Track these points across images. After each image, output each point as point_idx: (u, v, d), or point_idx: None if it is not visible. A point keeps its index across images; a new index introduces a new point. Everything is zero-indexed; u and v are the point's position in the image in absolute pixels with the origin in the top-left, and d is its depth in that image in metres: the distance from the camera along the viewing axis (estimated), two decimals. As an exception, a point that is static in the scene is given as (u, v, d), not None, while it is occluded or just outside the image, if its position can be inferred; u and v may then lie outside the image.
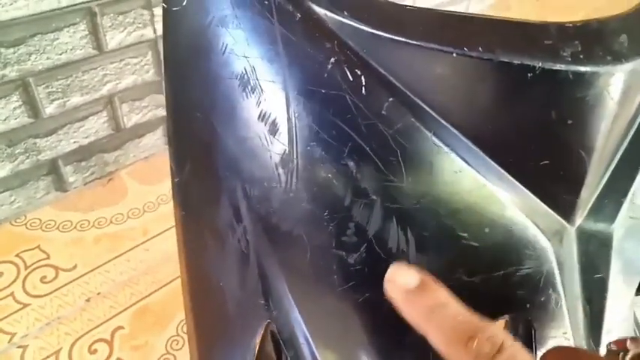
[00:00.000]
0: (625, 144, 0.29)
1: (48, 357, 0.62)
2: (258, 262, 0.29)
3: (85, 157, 0.83)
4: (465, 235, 0.27)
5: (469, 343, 0.19)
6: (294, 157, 0.27)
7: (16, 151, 0.74)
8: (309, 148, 0.27)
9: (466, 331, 0.20)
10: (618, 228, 0.30)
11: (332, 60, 0.26)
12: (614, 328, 0.31)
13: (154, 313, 0.67)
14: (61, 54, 0.70)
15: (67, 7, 0.66)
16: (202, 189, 0.30)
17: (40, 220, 0.80)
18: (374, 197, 0.27)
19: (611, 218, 0.30)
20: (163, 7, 0.28)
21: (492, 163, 0.27)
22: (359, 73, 0.26)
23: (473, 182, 0.27)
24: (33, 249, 0.76)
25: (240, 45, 0.27)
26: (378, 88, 0.26)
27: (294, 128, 0.27)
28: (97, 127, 0.81)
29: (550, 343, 0.29)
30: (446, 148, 0.27)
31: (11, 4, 0.61)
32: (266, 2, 0.26)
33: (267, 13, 0.26)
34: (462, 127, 0.26)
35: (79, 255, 0.75)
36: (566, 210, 0.28)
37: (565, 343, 0.29)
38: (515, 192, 0.27)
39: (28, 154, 0.75)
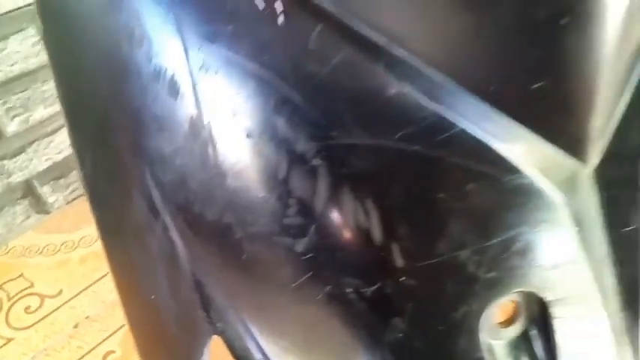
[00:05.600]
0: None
1: (33, 393, 0.57)
2: (188, 267, 0.23)
3: (62, 174, 0.78)
4: (444, 195, 0.21)
5: None
6: (205, 122, 0.21)
7: (-17, 177, 0.69)
8: (222, 107, 0.20)
9: None
10: (649, 163, 0.23)
11: (233, -15, 0.19)
12: (659, 293, 0.24)
13: (144, 332, 0.62)
14: (12, 65, 0.64)
15: (10, 11, 0.61)
16: (110, 181, 0.24)
17: (23, 247, 0.75)
18: (316, 162, 0.20)
19: (638, 151, 0.22)
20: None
21: (469, 95, 0.20)
22: (271, -3, 0.19)
23: (446, 125, 0.20)
24: (16, 278, 0.71)
25: (114, -15, 0.21)
26: (300, 15, 0.20)
27: (198, 84, 0.20)
28: (68, 140, 0.75)
29: (574, 323, 0.22)
30: (405, 84, 0.20)
31: (-56, 16, 0.56)
32: None
33: None
34: (421, 52, 0.20)
35: (65, 279, 0.70)
36: (576, 147, 0.21)
37: (592, 321, 0.22)
38: (504, 130, 0.21)
39: (-3, 179, 0.70)
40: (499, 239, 0.21)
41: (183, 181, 0.22)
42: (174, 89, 0.21)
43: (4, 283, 0.70)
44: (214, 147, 0.21)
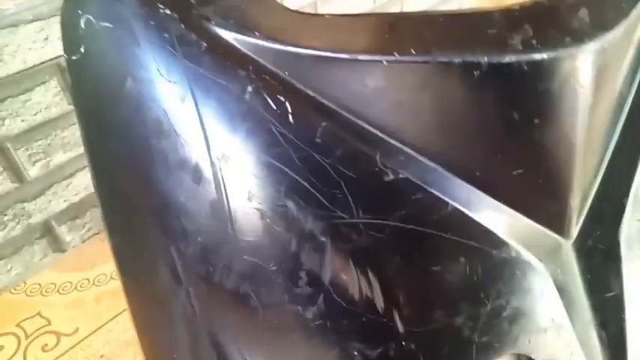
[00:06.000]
0: (617, 133, 0.25)
1: None
2: (208, 329, 0.26)
3: (78, 215, 0.81)
4: (438, 268, 0.23)
5: None
6: (225, 204, 0.23)
7: (5, 219, 0.72)
8: (239, 192, 0.23)
9: None
10: (625, 234, 0.25)
11: (249, 89, 0.22)
12: (640, 351, 0.26)
13: (158, 371, 0.63)
14: (35, 114, 0.68)
15: (34, 66, 0.65)
16: (137, 252, 0.27)
17: (40, 285, 0.78)
18: (323, 239, 0.23)
19: (614, 224, 0.25)
20: (64, 57, 0.25)
21: (457, 180, 0.23)
22: (282, 99, 0.22)
23: (438, 206, 0.23)
24: (33, 316, 0.73)
25: (145, 87, 0.23)
26: (307, 114, 0.22)
27: (219, 172, 0.23)
28: (85, 182, 0.79)
29: (563, 383, 0.24)
30: (399, 171, 0.23)
31: (-26, 73, 0.60)
32: (166, 35, 0.23)
33: (169, 47, 0.23)
34: (414, 144, 0.22)
35: (80, 317, 0.73)
36: (557, 223, 0.24)
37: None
38: (491, 210, 0.23)
39: (18, 220, 0.74)
40: (491, 306, 0.23)
41: (204, 254, 0.24)
42: (197, 176, 0.23)
43: (22, 321, 0.73)
44: (232, 226, 0.23)
